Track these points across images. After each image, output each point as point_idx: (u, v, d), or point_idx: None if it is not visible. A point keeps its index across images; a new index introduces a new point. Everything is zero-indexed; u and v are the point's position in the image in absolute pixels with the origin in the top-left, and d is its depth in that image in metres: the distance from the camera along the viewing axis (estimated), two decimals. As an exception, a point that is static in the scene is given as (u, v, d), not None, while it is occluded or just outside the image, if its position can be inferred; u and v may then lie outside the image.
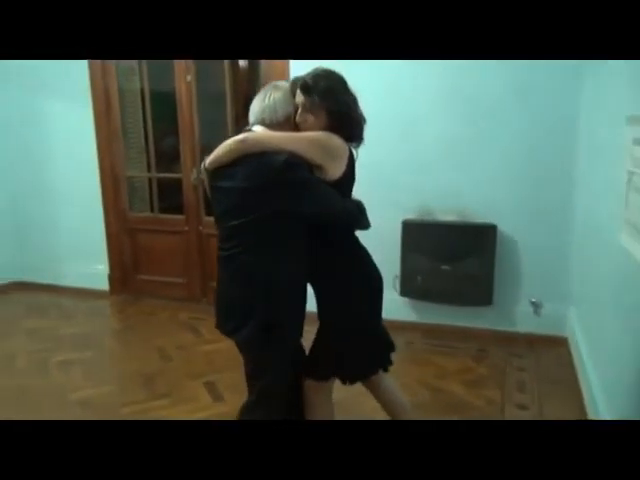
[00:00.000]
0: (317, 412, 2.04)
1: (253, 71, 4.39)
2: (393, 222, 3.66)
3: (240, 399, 2.11)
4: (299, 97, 1.84)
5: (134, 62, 4.43)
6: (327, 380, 2.02)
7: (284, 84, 1.93)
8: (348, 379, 2.06)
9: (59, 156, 4.61)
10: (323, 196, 1.79)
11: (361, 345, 2.00)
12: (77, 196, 4.62)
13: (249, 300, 1.80)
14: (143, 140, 4.57)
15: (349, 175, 1.88)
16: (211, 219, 4.26)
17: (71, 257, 4.75)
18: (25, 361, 3.40)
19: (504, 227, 3.52)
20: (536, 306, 3.57)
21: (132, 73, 4.51)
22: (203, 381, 3.10)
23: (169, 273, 4.52)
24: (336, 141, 1.82)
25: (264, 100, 1.86)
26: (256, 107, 1.87)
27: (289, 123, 1.86)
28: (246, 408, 2.01)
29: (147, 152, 4.53)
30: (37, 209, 4.80)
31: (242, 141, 1.75)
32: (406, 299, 3.79)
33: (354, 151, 1.92)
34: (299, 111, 1.84)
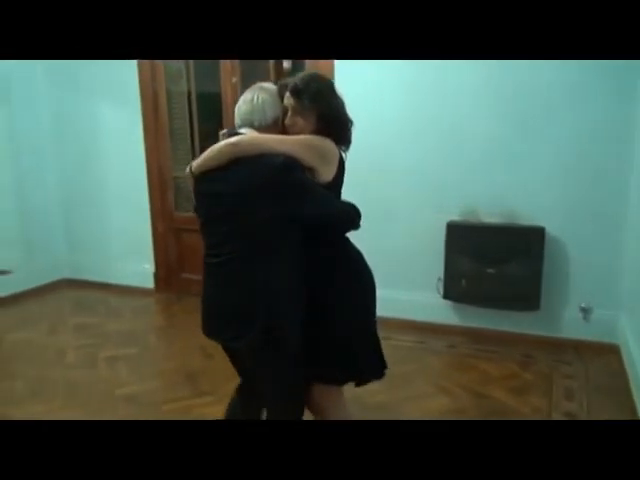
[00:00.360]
0: (332, 416, 1.96)
1: (297, 72, 4.40)
2: (437, 224, 3.61)
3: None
4: (288, 100, 1.84)
5: (182, 65, 4.51)
6: (343, 384, 1.96)
7: (270, 86, 1.91)
8: (363, 380, 2.01)
9: (109, 157, 4.74)
10: (321, 198, 1.78)
11: (367, 345, 1.97)
12: (126, 196, 4.74)
13: (248, 306, 1.75)
14: (189, 141, 4.65)
15: (339, 178, 1.88)
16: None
17: (119, 256, 4.87)
18: (74, 356, 3.51)
19: (552, 229, 3.41)
20: (585, 311, 3.44)
21: (179, 76, 4.60)
22: (244, 380, 3.12)
23: (212, 272, 4.58)
24: (328, 144, 1.82)
25: (252, 101, 1.83)
26: (243, 109, 1.84)
27: (277, 126, 1.86)
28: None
29: (193, 153, 4.60)
30: (87, 209, 4.94)
31: (234, 144, 1.72)
32: (449, 302, 3.72)
33: (343, 154, 1.92)
34: (289, 114, 1.85)
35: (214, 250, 1.80)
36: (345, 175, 1.92)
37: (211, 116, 4.48)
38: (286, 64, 4.81)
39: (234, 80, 4.19)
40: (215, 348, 3.50)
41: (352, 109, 3.79)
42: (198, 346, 3.62)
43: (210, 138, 4.50)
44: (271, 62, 4.09)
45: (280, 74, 4.68)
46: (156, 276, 4.78)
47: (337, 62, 3.75)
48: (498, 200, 3.53)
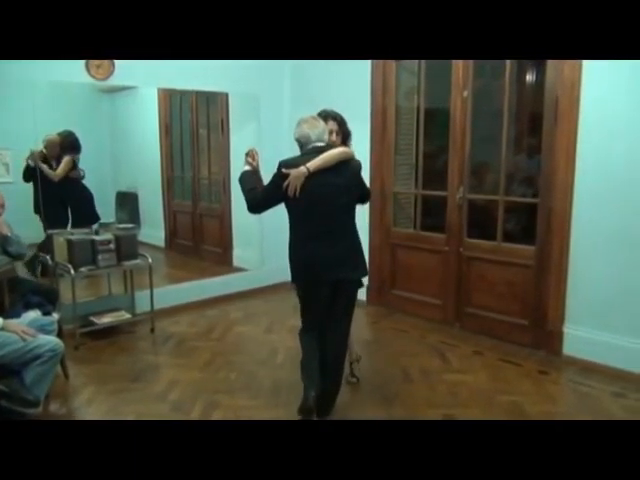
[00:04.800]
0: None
1: (539, 87, 4.03)
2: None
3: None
4: (333, 125, 3.00)
5: (415, 80, 4.48)
6: None
7: (317, 117, 2.85)
8: None
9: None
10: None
11: None
12: (348, 208, 4.87)
13: (355, 255, 2.79)
14: (414, 158, 4.59)
15: None
16: (473, 241, 4.12)
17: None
18: (283, 356, 3.69)
19: None
20: None
21: (412, 92, 4.58)
22: (443, 412, 2.92)
23: (424, 292, 4.45)
24: None
25: (319, 127, 2.74)
26: (317, 131, 2.72)
27: None
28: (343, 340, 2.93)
29: (416, 169, 4.53)
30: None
31: (345, 152, 2.72)
32: None
33: None
34: (333, 134, 3.00)
35: (324, 222, 2.68)
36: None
37: (437, 133, 4.36)
38: (529, 78, 4.46)
39: (465, 94, 4.00)
40: (416, 372, 3.41)
41: (599, 114, 3.30)
42: (400, 367, 3.53)
43: (433, 158, 4.45)
44: (507, 76, 3.79)
45: (521, 89, 4.35)
46: (369, 289, 4.81)
47: (585, 71, 3.32)
48: None
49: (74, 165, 4.61)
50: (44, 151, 4.46)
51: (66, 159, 4.55)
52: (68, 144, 4.59)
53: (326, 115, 2.97)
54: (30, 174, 4.32)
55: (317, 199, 2.64)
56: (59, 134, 4.55)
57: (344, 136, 3.08)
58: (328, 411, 2.82)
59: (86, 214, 4.65)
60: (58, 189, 4.49)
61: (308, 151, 2.69)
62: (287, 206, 2.74)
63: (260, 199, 2.76)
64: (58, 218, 4.45)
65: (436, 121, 4.40)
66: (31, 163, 4.32)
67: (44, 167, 4.39)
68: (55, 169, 4.50)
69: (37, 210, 4.32)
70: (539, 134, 3.70)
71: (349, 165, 2.71)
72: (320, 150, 2.66)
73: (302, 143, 2.74)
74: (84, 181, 4.74)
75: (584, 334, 3.52)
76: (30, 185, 4.31)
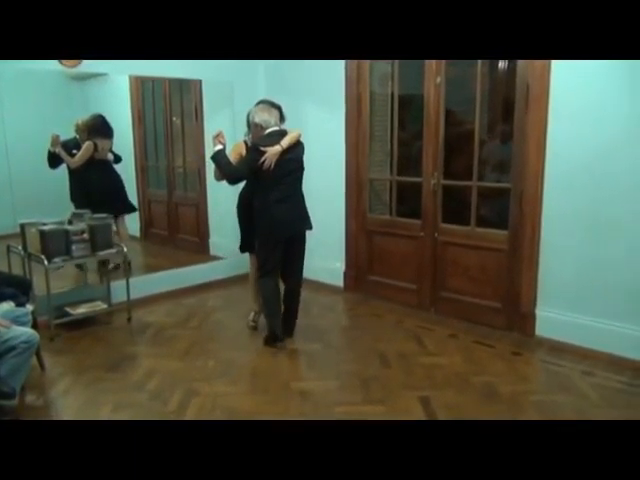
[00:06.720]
0: None
1: (511, 73, 4.09)
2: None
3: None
4: (277, 113, 3.51)
5: (389, 67, 4.49)
6: None
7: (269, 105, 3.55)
8: None
9: (313, 156, 4.87)
10: None
11: None
12: (324, 193, 4.88)
13: (306, 213, 3.64)
14: (389, 144, 4.61)
15: None
16: (448, 226, 4.18)
17: (313, 251, 5.02)
18: (261, 342, 3.71)
19: None
20: None
21: (386, 79, 4.59)
22: (419, 395, 2.98)
23: (400, 278, 4.50)
24: None
25: (274, 114, 3.45)
26: (274, 118, 3.45)
27: None
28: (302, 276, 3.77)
29: (391, 155, 4.56)
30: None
31: (300, 134, 3.49)
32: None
33: None
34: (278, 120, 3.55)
35: (289, 189, 3.47)
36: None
37: (412, 120, 4.39)
38: (501, 65, 4.50)
39: (438, 80, 4.03)
40: (394, 356, 3.47)
41: (568, 100, 3.35)
42: (377, 352, 3.57)
43: (408, 144, 4.49)
44: (480, 63, 3.83)
45: (495, 77, 4.39)
46: (346, 275, 4.85)
47: (553, 63, 3.37)
48: None
49: (96, 149, 4.56)
50: (77, 137, 4.52)
51: (86, 144, 4.52)
52: (93, 128, 4.55)
53: (272, 104, 3.56)
54: (56, 161, 4.35)
55: (285, 171, 3.40)
56: (90, 117, 4.58)
57: (280, 121, 3.64)
58: (293, 329, 3.78)
59: (118, 201, 4.60)
60: (85, 175, 4.50)
61: (272, 133, 3.40)
62: (259, 176, 3.36)
63: (241, 172, 3.43)
64: (86, 205, 4.34)
65: (410, 107, 4.42)
66: (52, 149, 4.29)
67: (63, 153, 4.40)
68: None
69: (72, 198, 4.40)
70: (511, 120, 3.76)
71: (300, 145, 3.52)
72: (281, 133, 3.41)
73: (262, 127, 3.41)
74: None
75: (555, 315, 3.61)
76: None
